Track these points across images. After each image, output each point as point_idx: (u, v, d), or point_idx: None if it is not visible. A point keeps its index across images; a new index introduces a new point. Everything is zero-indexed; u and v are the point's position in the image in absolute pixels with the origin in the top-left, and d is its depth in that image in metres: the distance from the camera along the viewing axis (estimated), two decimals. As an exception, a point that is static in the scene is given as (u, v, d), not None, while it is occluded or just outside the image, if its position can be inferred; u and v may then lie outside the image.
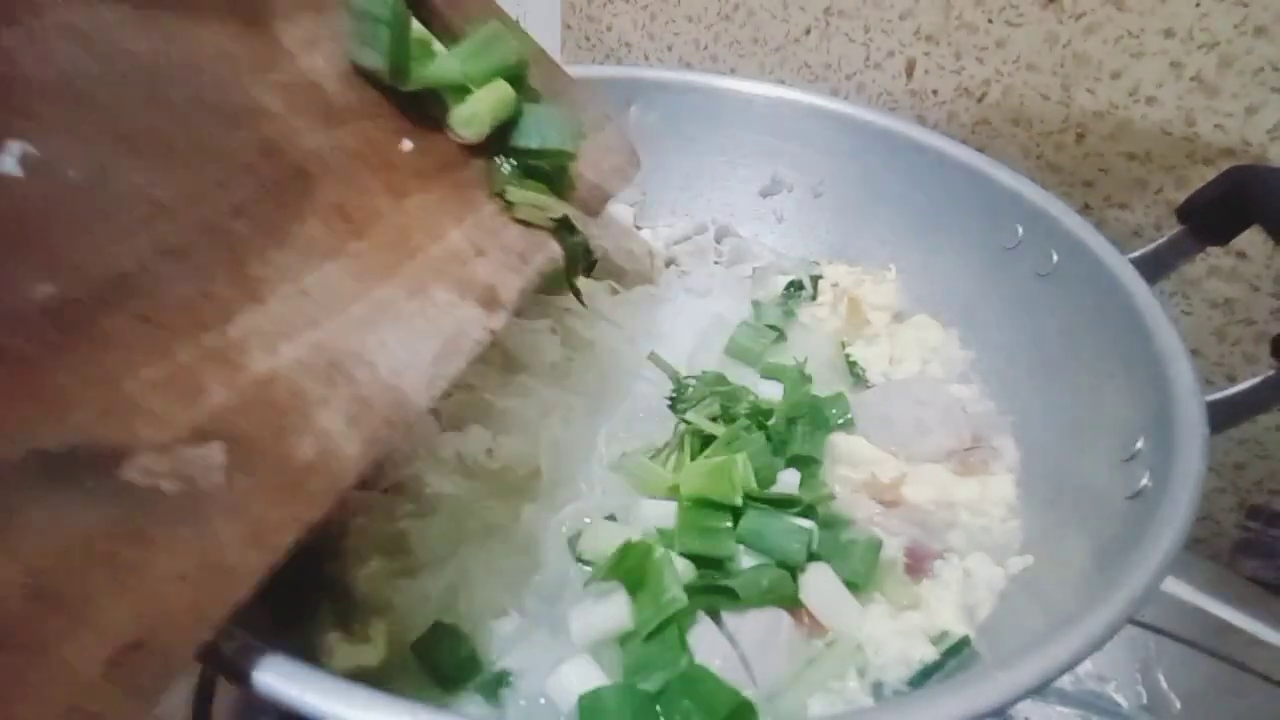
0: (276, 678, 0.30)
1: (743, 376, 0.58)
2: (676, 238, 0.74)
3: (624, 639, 0.42)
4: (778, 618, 0.44)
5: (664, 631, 0.41)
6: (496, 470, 0.50)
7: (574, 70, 0.56)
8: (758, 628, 0.43)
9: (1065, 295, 0.55)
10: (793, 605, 0.45)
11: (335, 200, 0.40)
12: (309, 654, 0.42)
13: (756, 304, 0.66)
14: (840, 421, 0.56)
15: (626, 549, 0.44)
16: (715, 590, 0.44)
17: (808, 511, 0.47)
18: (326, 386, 0.35)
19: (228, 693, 0.52)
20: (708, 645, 0.42)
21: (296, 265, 0.36)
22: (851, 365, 0.62)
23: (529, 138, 0.48)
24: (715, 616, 0.43)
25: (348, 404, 0.35)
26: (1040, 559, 0.48)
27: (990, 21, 0.69)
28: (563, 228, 0.49)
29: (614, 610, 0.43)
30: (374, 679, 0.41)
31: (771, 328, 0.63)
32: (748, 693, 0.40)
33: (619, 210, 0.73)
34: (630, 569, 0.43)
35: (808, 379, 0.58)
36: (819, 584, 0.45)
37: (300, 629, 0.43)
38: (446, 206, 0.45)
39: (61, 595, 0.26)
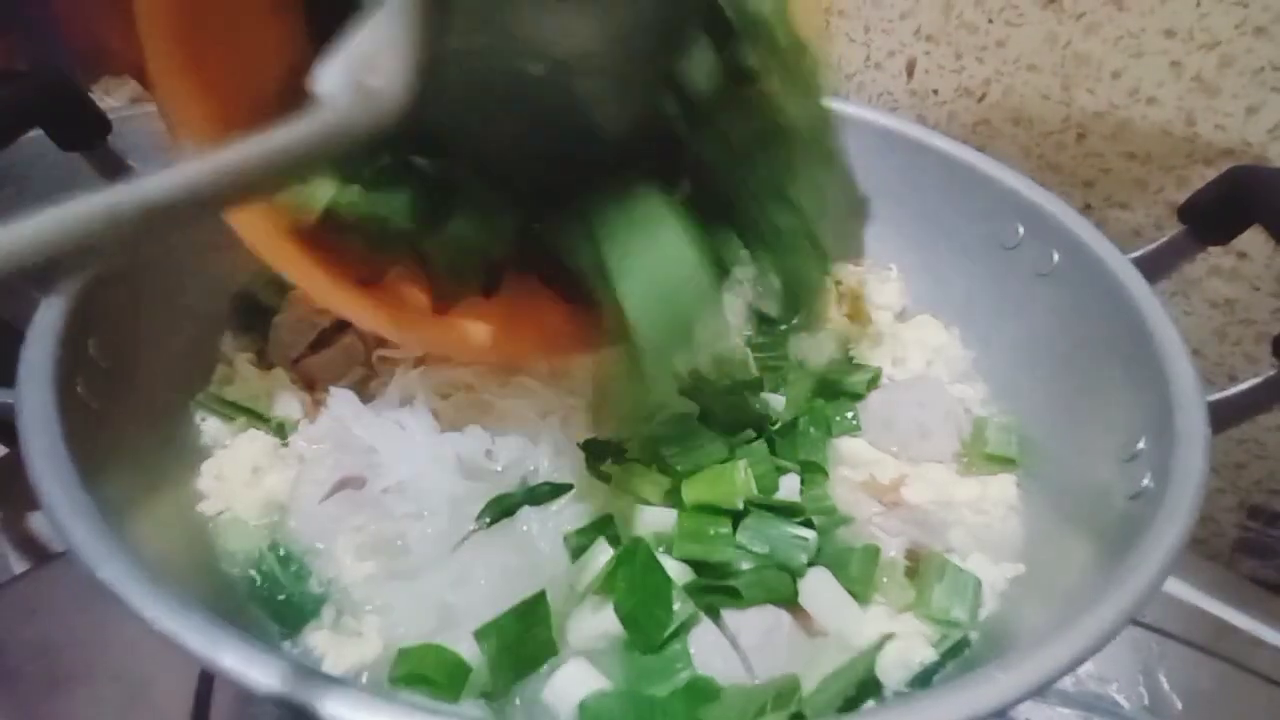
0: (276, 679, 0.30)
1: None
2: None
3: (625, 645, 0.42)
4: (778, 617, 0.44)
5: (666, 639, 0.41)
6: (497, 470, 0.50)
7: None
8: (759, 627, 0.43)
9: (1066, 295, 0.55)
10: (793, 604, 0.45)
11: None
12: (307, 655, 0.43)
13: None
14: (846, 426, 0.56)
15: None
16: (716, 590, 0.44)
17: (808, 520, 0.47)
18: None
19: (227, 693, 0.52)
20: (709, 645, 0.42)
21: None
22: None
23: None
24: (715, 615, 0.43)
25: None
26: (1041, 559, 0.48)
27: (990, 21, 0.69)
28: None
29: (613, 615, 0.42)
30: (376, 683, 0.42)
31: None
32: (749, 693, 0.40)
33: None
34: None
35: (811, 378, 0.58)
36: (818, 589, 0.45)
37: (299, 631, 0.44)
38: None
39: None
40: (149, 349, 0.51)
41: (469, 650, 0.41)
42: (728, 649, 0.42)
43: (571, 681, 0.40)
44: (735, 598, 0.43)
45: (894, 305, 0.66)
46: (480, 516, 0.47)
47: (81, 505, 0.35)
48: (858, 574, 0.46)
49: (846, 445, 0.55)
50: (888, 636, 0.42)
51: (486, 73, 0.35)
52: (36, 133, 0.49)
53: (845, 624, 0.44)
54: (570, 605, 0.44)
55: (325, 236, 0.42)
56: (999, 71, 0.69)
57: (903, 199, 0.66)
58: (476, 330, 0.49)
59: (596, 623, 0.43)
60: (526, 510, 0.48)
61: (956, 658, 0.44)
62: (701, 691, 0.40)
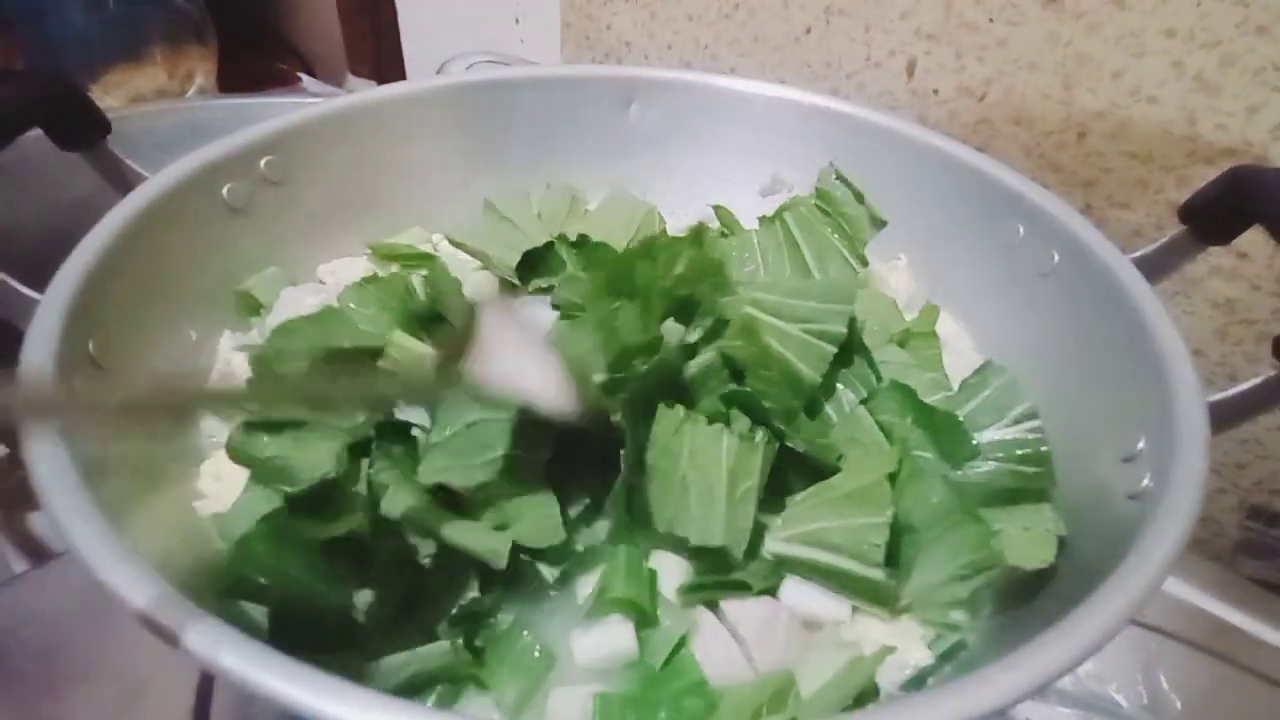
0: (274, 677, 0.30)
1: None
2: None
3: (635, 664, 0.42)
4: (777, 608, 0.44)
5: (675, 658, 0.41)
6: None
7: (573, 69, 0.56)
8: (758, 617, 0.43)
9: (1066, 295, 0.55)
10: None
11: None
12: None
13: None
14: None
15: None
16: (723, 585, 0.44)
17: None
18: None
19: (227, 694, 0.52)
20: (709, 639, 0.42)
21: None
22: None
23: None
24: (714, 606, 0.44)
25: None
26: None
27: (991, 21, 0.69)
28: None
29: (619, 634, 0.42)
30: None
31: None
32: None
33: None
34: None
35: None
36: (798, 591, 0.45)
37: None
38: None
39: None
40: (148, 349, 0.51)
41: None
42: (730, 642, 0.42)
43: (573, 698, 0.40)
44: (745, 589, 0.43)
45: (902, 294, 0.66)
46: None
47: (81, 505, 0.35)
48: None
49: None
50: (888, 649, 0.42)
51: None
52: (36, 132, 0.49)
53: (835, 616, 0.44)
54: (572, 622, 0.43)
55: None
56: (1000, 71, 0.69)
57: (902, 199, 0.66)
58: None
59: (602, 640, 0.42)
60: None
61: (953, 660, 0.44)
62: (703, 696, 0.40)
